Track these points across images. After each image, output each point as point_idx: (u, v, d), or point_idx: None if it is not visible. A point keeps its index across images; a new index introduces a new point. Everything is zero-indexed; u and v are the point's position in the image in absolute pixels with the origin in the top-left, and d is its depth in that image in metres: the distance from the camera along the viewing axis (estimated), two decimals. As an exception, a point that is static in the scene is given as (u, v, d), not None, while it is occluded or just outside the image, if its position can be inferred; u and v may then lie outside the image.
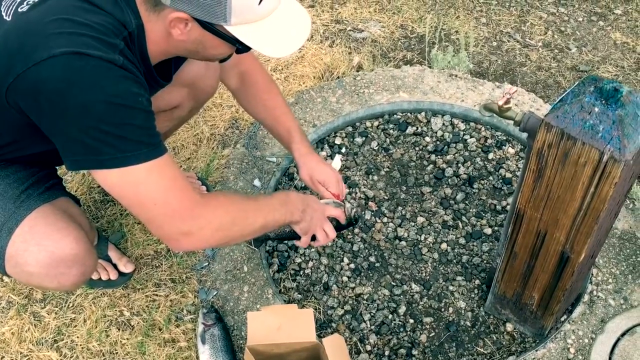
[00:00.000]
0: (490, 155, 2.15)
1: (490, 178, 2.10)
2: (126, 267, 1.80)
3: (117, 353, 1.68)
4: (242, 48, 1.24)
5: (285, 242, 1.92)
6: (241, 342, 1.70)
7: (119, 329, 1.72)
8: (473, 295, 1.85)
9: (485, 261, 1.91)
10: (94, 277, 1.77)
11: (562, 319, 1.73)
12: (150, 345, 1.69)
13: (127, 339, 1.70)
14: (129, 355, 1.68)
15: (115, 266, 1.80)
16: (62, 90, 1.08)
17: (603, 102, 1.18)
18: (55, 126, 1.14)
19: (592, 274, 1.79)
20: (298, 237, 1.58)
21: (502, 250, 1.63)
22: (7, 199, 1.37)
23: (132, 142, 1.13)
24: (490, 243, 1.95)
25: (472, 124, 2.23)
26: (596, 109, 1.18)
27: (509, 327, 1.76)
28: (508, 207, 2.02)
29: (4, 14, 1.16)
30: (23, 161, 1.43)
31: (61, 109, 1.09)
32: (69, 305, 1.77)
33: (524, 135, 2.12)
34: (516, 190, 1.51)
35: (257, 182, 2.06)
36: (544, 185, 1.32)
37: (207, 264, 1.86)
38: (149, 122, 1.18)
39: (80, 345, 1.69)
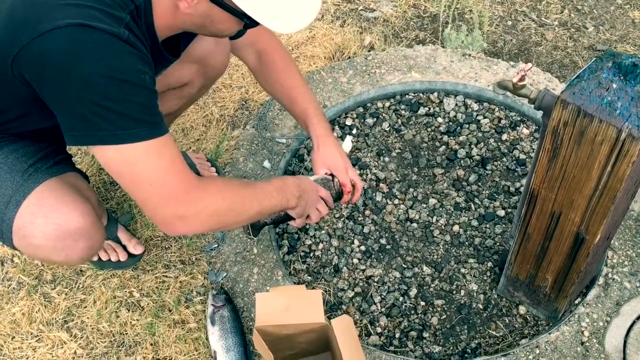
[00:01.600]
0: (504, 136, 2.11)
1: (504, 159, 2.07)
2: (136, 249, 1.80)
3: (126, 334, 1.68)
4: (249, 23, 1.22)
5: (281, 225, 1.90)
6: (251, 323, 1.70)
7: (128, 310, 1.72)
8: (485, 278, 1.82)
9: (498, 243, 1.88)
10: (104, 258, 1.77)
11: (577, 301, 1.70)
12: (159, 326, 1.69)
13: (137, 319, 1.70)
14: (139, 336, 1.67)
15: (124, 247, 1.80)
16: (64, 62, 1.07)
17: (621, 77, 1.14)
18: (56, 99, 1.13)
19: (608, 256, 1.76)
20: (293, 218, 1.58)
21: (515, 231, 1.60)
22: (15, 172, 1.36)
23: (133, 120, 1.12)
24: (503, 225, 1.92)
25: (485, 104, 2.19)
26: (614, 85, 1.14)
27: (522, 309, 1.74)
28: (522, 189, 1.99)
29: None
30: (32, 136, 1.43)
31: (63, 81, 1.08)
32: (78, 286, 1.77)
33: (539, 115, 2.07)
34: (530, 171, 1.48)
35: (266, 164, 2.04)
36: (558, 164, 1.29)
37: (216, 245, 1.85)
38: (151, 101, 1.16)
39: (90, 325, 1.69)
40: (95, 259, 1.77)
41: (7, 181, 1.35)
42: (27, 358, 1.63)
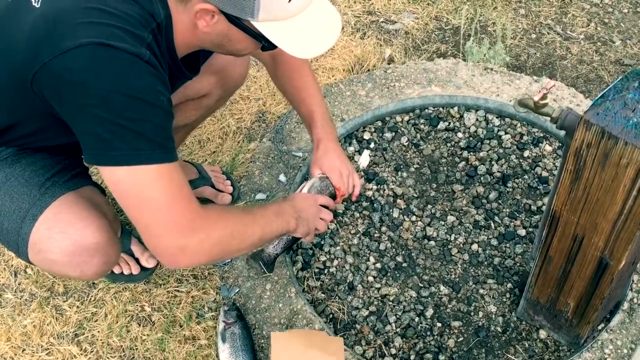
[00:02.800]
0: (526, 153, 2.06)
1: (526, 177, 2.01)
2: (148, 262, 1.78)
3: (137, 349, 1.66)
4: (267, 45, 1.20)
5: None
6: (262, 341, 1.66)
7: (139, 325, 1.70)
8: (505, 300, 1.76)
9: (518, 264, 1.83)
10: (116, 271, 1.75)
11: (600, 327, 1.63)
12: (170, 342, 1.66)
13: (148, 335, 1.68)
14: (149, 352, 1.65)
15: (137, 260, 1.78)
16: (83, 80, 1.06)
17: (649, 98, 1.09)
18: (74, 117, 1.12)
19: (633, 280, 1.69)
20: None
21: (536, 253, 1.54)
22: (32, 185, 1.36)
23: (148, 141, 1.10)
24: (524, 245, 1.86)
25: (507, 119, 2.14)
26: (641, 106, 1.09)
27: (543, 334, 1.68)
28: (543, 207, 1.93)
29: (33, 0, 1.14)
30: (49, 149, 1.42)
31: (81, 99, 1.07)
32: (90, 299, 1.75)
33: (563, 132, 2.02)
34: (552, 192, 1.43)
35: (282, 178, 2.01)
36: (581, 187, 1.23)
37: (229, 260, 1.82)
38: (167, 123, 1.14)
39: (101, 340, 1.67)
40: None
41: (23, 195, 1.35)
42: (37, 371, 1.62)
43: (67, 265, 1.34)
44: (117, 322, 1.70)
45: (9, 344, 1.65)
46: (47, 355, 1.65)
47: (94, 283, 1.79)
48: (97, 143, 1.10)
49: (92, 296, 1.76)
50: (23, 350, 1.65)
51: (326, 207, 1.56)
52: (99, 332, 1.69)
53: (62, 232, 1.31)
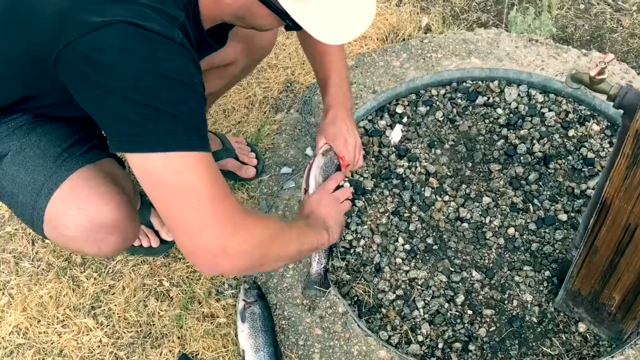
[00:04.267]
0: (571, 132, 1.92)
1: (569, 157, 1.88)
2: (168, 235, 1.71)
3: (154, 324, 1.61)
4: (292, 25, 1.09)
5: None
6: (283, 322, 1.59)
7: (157, 300, 1.65)
8: (541, 288, 1.66)
9: (557, 251, 1.71)
10: (135, 243, 1.69)
11: (645, 323, 1.52)
12: (188, 318, 1.61)
13: (165, 310, 1.62)
14: (166, 328, 1.60)
15: (157, 233, 1.72)
16: (114, 60, 0.96)
17: None
18: (100, 101, 1.01)
19: (684, 274, 1.56)
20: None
21: (579, 241, 1.43)
22: (48, 157, 1.28)
23: (184, 125, 1.00)
24: (565, 231, 1.74)
25: (551, 95, 2.00)
26: None
27: (582, 327, 1.57)
28: (588, 191, 1.80)
29: None
30: (67, 119, 1.35)
31: (110, 80, 0.98)
32: (108, 271, 1.70)
33: (612, 110, 1.88)
34: (602, 176, 1.31)
35: (309, 151, 1.91)
36: (639, 173, 1.11)
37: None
38: (202, 107, 1.05)
39: (117, 314, 1.62)
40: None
41: (39, 166, 1.27)
42: (52, 343, 1.58)
43: (84, 242, 1.28)
44: (135, 296, 1.65)
45: (25, 314, 1.61)
46: (63, 328, 1.60)
47: (112, 255, 1.73)
48: (128, 128, 1.00)
49: (110, 268, 1.71)
50: (38, 321, 1.61)
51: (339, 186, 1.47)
52: (115, 305, 1.64)
53: (79, 208, 1.24)
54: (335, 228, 1.38)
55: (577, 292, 1.49)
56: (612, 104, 1.16)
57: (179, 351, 1.56)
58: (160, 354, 1.56)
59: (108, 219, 1.27)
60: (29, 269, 1.71)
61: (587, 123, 1.93)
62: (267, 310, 1.58)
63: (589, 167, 1.85)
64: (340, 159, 1.46)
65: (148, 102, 0.97)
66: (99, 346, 1.58)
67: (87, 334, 1.59)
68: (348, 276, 1.70)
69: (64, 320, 1.62)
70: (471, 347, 1.57)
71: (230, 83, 1.72)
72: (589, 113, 1.95)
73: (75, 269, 1.71)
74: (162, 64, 0.97)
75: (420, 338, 1.59)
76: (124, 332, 1.60)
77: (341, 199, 1.45)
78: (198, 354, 1.56)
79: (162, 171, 1.00)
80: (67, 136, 1.32)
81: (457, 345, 1.57)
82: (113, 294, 1.66)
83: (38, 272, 1.70)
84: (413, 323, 1.62)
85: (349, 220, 1.80)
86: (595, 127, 1.92)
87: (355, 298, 1.67)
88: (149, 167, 1.01)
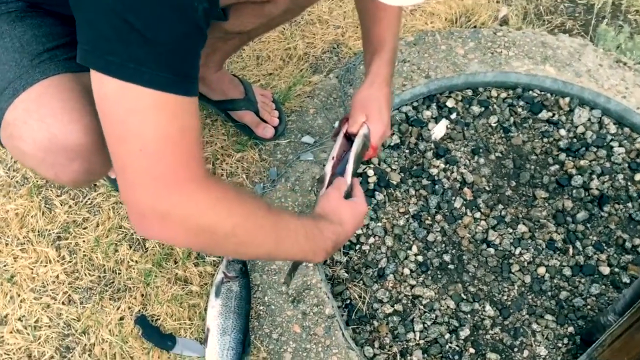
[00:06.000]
0: (638, 177, 1.66)
1: (629, 205, 1.62)
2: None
3: (119, 273, 1.43)
4: None
5: None
6: (261, 308, 1.40)
7: (130, 247, 1.46)
8: (560, 345, 1.43)
9: (589, 307, 1.48)
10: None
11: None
12: (158, 277, 1.42)
13: (136, 261, 1.44)
14: (132, 281, 1.42)
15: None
16: None
17: None
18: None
19: None
20: None
21: (623, 309, 1.19)
22: (25, 52, 1.07)
23: (157, 56, 0.79)
24: (603, 286, 1.50)
25: (626, 129, 1.73)
26: None
27: (596, 402, 1.35)
28: (641, 249, 1.55)
29: None
30: (64, 17, 1.14)
31: None
32: (86, 202, 1.52)
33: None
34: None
35: (337, 124, 1.68)
36: None
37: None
38: (191, 43, 0.83)
39: (83, 251, 1.45)
40: (113, 176, 1.51)
41: (12, 61, 1.07)
42: (4, 265, 1.41)
43: (39, 162, 1.07)
44: (107, 237, 1.47)
45: (-17, 227, 1.45)
46: (21, 252, 1.43)
47: (95, 184, 1.55)
48: (95, 37, 0.80)
49: (88, 199, 1.52)
50: (-5, 238, 1.45)
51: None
52: (84, 242, 1.46)
53: (41, 120, 1.03)
54: (338, 247, 1.12)
55: (602, 364, 1.27)
56: None
57: (139, 310, 1.38)
58: (118, 309, 1.38)
59: (71, 141, 1.04)
60: (1, 178, 1.53)
61: (659, 170, 1.66)
62: (245, 290, 1.39)
63: (649, 221, 1.59)
64: (373, 148, 1.23)
65: (124, 14, 0.76)
66: (54, 282, 1.41)
67: (45, 266, 1.42)
68: (346, 274, 1.50)
69: (24, 243, 1.44)
70: (463, 391, 1.36)
71: (267, 25, 1.47)
72: (664, 159, 1.68)
73: (51, 190, 1.53)
74: None
75: (408, 365, 1.39)
76: (85, 274, 1.42)
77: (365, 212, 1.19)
78: (159, 318, 1.38)
79: (113, 101, 0.80)
80: (56, 35, 1.10)
81: (448, 385, 1.37)
82: (85, 229, 1.48)
83: (10, 184, 1.53)
84: (405, 346, 1.41)
85: (363, 212, 1.58)
86: (668, 178, 1.65)
87: (348, 301, 1.47)
88: (103, 92, 0.81)
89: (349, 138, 1.20)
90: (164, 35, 0.79)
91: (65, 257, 1.44)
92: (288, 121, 1.70)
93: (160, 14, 0.78)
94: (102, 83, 0.80)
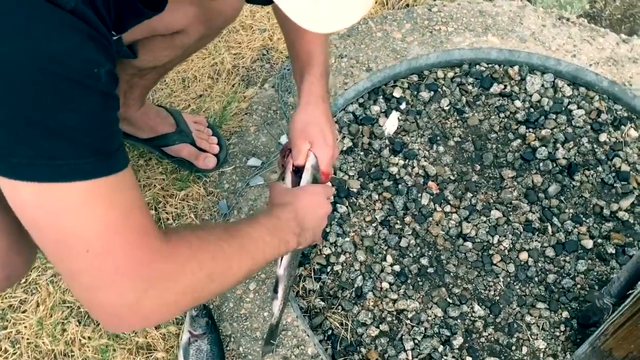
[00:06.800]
0: (603, 137, 1.59)
1: (599, 169, 1.55)
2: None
3: (72, 356, 1.27)
4: None
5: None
6: (237, 361, 1.27)
7: (79, 323, 1.31)
8: (557, 334, 1.35)
9: (579, 286, 1.40)
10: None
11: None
12: (117, 350, 1.27)
13: (89, 338, 1.29)
14: (88, 361, 1.27)
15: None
16: None
17: None
18: None
19: None
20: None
21: (617, 289, 1.12)
22: None
23: (70, 143, 0.64)
24: (589, 261, 1.43)
25: (582, 89, 1.65)
26: None
27: (605, 389, 1.28)
28: (620, 214, 1.48)
29: None
30: None
31: None
32: (21, 282, 1.35)
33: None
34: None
35: (284, 139, 1.55)
36: None
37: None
38: (103, 112, 0.68)
39: (27, 338, 1.28)
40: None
41: None
42: (-61, 375, 1.24)
43: None
44: (52, 317, 1.31)
45: None
46: (-45, 355, 1.26)
47: (28, 258, 1.37)
48: None
49: (23, 279, 1.35)
50: None
51: None
52: (25, 327, 1.29)
53: None
54: (309, 233, 1.03)
55: (607, 353, 1.19)
56: None
57: (103, 393, 1.24)
58: (79, 397, 1.23)
59: None
60: None
61: (623, 127, 1.59)
62: (217, 346, 1.26)
63: (623, 183, 1.53)
64: (324, 175, 1.10)
65: (16, 110, 0.61)
66: (0, 381, 1.24)
67: (-14, 364, 1.26)
68: (322, 303, 1.38)
69: (-43, 345, 1.27)
70: (468, 405, 1.27)
71: (183, 55, 1.32)
72: (626, 115, 1.61)
73: (-23, 276, 1.35)
74: (39, 50, 0.60)
75: (406, 389, 1.29)
76: (34, 364, 1.26)
77: (328, 195, 1.10)
78: (127, 397, 1.23)
79: (35, 207, 0.66)
80: None
81: (452, 402, 1.27)
82: (24, 312, 1.31)
83: None
84: (398, 369, 1.31)
85: (327, 230, 1.46)
86: (633, 133, 1.58)
87: (330, 332, 1.35)
88: (18, 198, 0.66)
89: (297, 171, 1.07)
90: (71, 117, 0.64)
91: (8, 349, 1.27)
92: (229, 145, 1.55)
93: (60, 98, 0.63)
94: (15, 189, 0.66)
